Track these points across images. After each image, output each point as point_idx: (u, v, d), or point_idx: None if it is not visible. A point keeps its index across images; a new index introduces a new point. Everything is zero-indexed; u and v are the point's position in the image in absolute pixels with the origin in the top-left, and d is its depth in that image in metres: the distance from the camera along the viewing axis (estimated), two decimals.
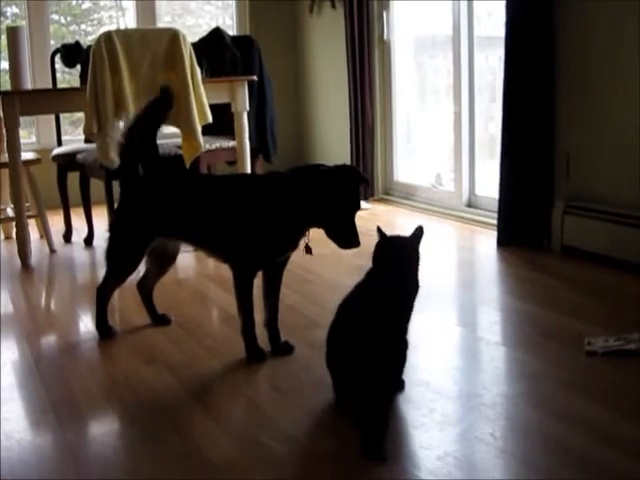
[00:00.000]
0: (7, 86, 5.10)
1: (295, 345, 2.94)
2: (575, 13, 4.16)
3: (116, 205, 3.22)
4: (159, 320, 3.30)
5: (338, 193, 2.65)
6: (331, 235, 2.70)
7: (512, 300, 3.65)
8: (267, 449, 2.23)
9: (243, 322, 2.89)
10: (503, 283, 4.04)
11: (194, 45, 4.65)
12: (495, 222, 4.61)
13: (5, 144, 4.53)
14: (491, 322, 3.38)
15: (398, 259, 2.51)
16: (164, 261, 3.25)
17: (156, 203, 3.06)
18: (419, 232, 2.52)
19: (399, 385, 2.58)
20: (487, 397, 2.52)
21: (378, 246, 2.53)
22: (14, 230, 4.76)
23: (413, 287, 2.54)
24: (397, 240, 2.55)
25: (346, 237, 2.68)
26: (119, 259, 3.16)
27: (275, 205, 2.75)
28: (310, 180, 2.68)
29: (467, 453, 2.18)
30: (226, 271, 2.93)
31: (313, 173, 2.71)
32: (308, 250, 2.84)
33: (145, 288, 3.31)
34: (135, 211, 3.11)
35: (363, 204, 5.94)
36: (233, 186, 2.93)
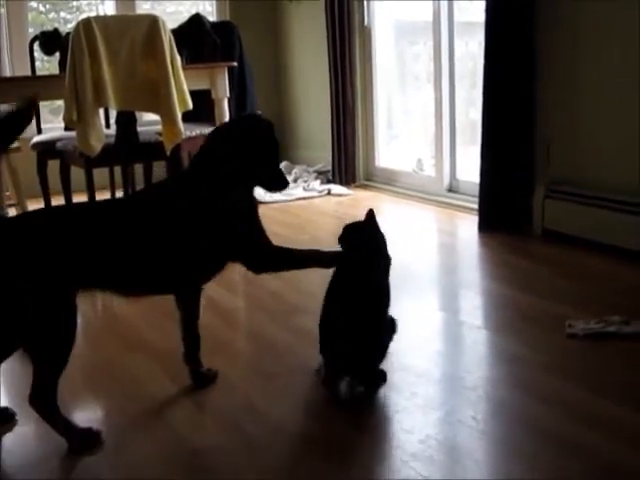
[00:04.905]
0: None
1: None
2: None
3: None
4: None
5: (253, 142, 2.47)
6: (260, 182, 2.54)
7: (493, 284, 3.67)
8: (252, 435, 2.24)
9: None
10: (484, 267, 4.05)
11: (174, 32, 4.62)
12: (476, 207, 4.62)
13: None
14: (473, 306, 3.40)
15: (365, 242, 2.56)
16: None
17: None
18: (371, 213, 2.57)
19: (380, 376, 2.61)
20: (469, 380, 2.53)
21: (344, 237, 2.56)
22: None
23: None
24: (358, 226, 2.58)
25: (273, 180, 2.55)
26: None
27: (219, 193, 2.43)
28: (228, 144, 2.46)
29: (449, 436, 2.19)
30: None
31: (223, 141, 2.48)
32: None
33: None
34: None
35: (344, 190, 5.98)
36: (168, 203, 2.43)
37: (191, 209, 2.40)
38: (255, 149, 2.48)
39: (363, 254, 2.53)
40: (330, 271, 2.52)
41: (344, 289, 2.49)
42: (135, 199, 2.63)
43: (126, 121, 4.60)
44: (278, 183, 2.56)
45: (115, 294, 2.39)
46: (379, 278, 2.54)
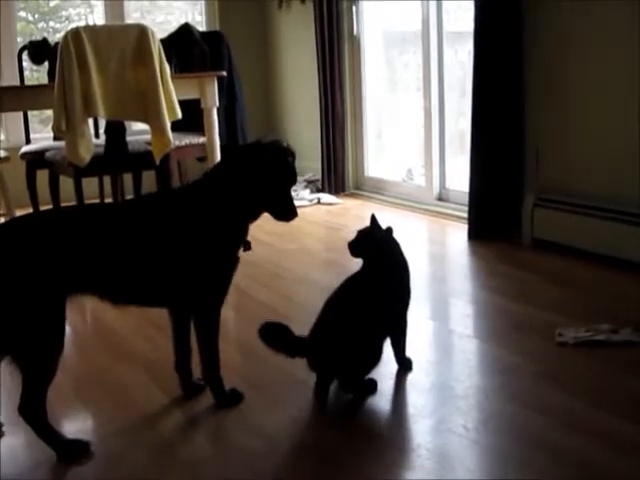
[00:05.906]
0: None
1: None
2: (544, 7, 4.18)
3: None
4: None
5: (271, 168, 2.43)
6: (269, 209, 2.49)
7: (483, 293, 3.67)
8: (241, 446, 2.23)
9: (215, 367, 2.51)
10: (474, 276, 4.06)
11: (163, 41, 4.62)
12: (466, 216, 4.63)
13: None
14: (463, 315, 3.40)
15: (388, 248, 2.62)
16: None
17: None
18: (374, 220, 2.63)
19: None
20: (459, 389, 2.54)
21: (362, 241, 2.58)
22: None
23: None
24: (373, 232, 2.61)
25: (284, 209, 2.49)
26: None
27: (222, 212, 2.40)
28: (243, 167, 2.41)
29: (440, 445, 2.19)
30: None
31: (241, 161, 2.44)
32: (247, 246, 2.52)
33: None
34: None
35: (334, 199, 5.99)
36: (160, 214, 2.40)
37: (187, 229, 2.36)
38: (273, 178, 2.43)
39: (378, 260, 2.55)
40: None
41: (350, 294, 2.50)
42: (129, 207, 2.55)
43: (115, 131, 4.59)
44: (288, 213, 2.48)
45: (101, 300, 2.36)
46: (387, 284, 2.56)
